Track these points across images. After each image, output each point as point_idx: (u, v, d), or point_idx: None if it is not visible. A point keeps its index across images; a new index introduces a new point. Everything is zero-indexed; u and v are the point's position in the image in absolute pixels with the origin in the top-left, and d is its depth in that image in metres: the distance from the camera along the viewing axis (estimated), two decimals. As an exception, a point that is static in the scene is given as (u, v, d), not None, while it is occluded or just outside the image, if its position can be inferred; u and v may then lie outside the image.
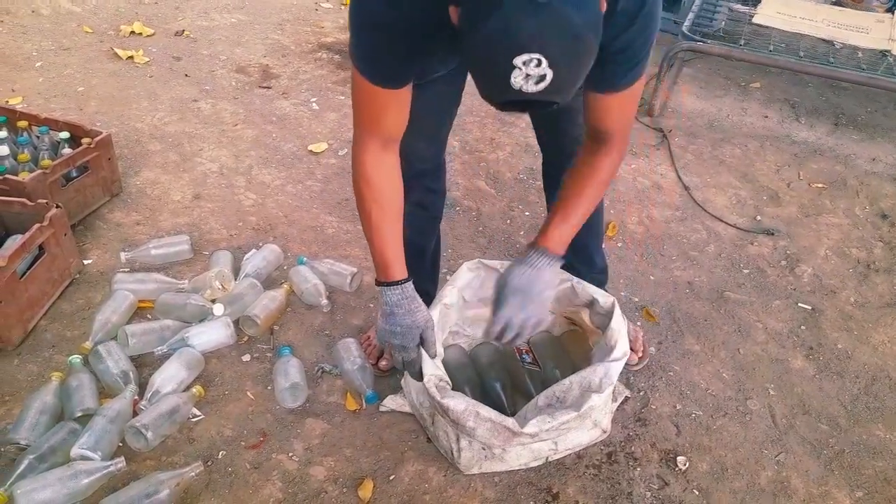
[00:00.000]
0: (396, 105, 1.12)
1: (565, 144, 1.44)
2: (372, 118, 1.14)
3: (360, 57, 1.06)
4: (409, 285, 1.23)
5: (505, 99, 0.83)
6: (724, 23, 2.91)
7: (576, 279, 1.52)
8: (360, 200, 1.21)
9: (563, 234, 1.22)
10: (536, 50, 0.77)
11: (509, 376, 1.55)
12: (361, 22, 1.03)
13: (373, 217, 1.19)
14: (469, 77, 1.28)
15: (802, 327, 1.85)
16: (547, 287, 1.21)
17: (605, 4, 0.89)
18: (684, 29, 2.76)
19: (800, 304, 1.92)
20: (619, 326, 1.41)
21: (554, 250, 1.21)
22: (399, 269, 1.22)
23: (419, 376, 1.30)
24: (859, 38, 2.76)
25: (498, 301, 1.21)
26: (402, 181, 1.21)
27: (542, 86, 0.80)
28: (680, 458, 1.48)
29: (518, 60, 0.78)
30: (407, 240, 1.52)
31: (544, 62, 0.78)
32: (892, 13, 3.04)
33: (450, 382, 1.35)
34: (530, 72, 0.79)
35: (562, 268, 1.40)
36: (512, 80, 0.79)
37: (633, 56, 1.06)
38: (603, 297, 1.48)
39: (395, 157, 1.19)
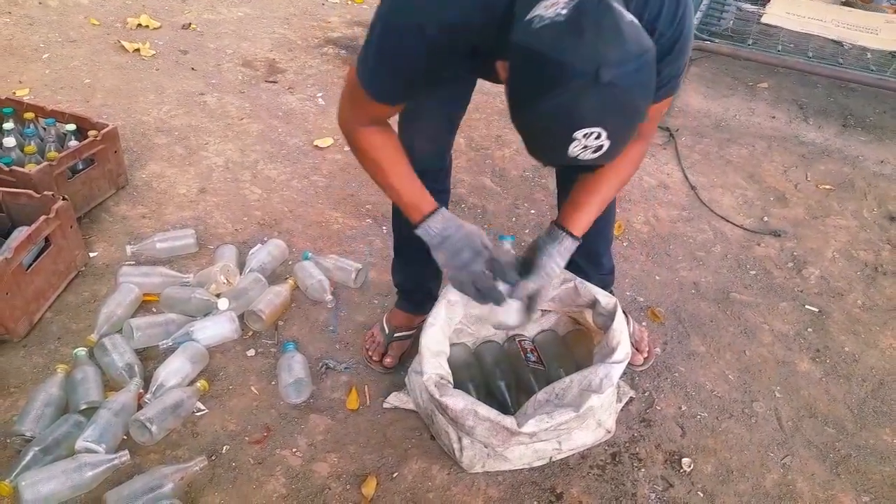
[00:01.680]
0: (391, 111, 1.15)
1: None
2: (364, 117, 1.15)
3: (368, 79, 1.06)
4: (444, 210, 1.20)
5: (557, 164, 0.85)
6: (732, 22, 2.89)
7: (578, 279, 1.51)
8: (364, 156, 1.19)
9: (584, 218, 1.23)
10: (597, 125, 0.80)
11: (514, 375, 1.55)
12: (387, 54, 1.02)
13: (383, 165, 1.18)
14: (479, 80, 1.26)
15: (809, 329, 1.84)
16: (559, 267, 1.24)
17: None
18: (693, 28, 2.75)
19: (807, 307, 1.92)
20: (621, 328, 1.40)
21: (574, 233, 1.22)
22: (427, 202, 1.19)
23: (501, 297, 1.22)
24: (868, 39, 2.74)
25: (533, 268, 1.22)
26: (392, 133, 1.20)
27: (597, 154, 0.83)
28: (685, 460, 1.48)
29: (578, 134, 0.80)
30: (413, 239, 1.52)
31: (603, 134, 0.80)
32: (903, 14, 3.02)
33: (451, 381, 1.35)
34: (589, 143, 0.81)
35: (568, 268, 1.40)
36: (570, 150, 0.82)
37: (669, 76, 1.07)
38: (605, 298, 1.47)
39: (387, 125, 1.19)
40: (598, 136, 0.80)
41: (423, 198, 1.19)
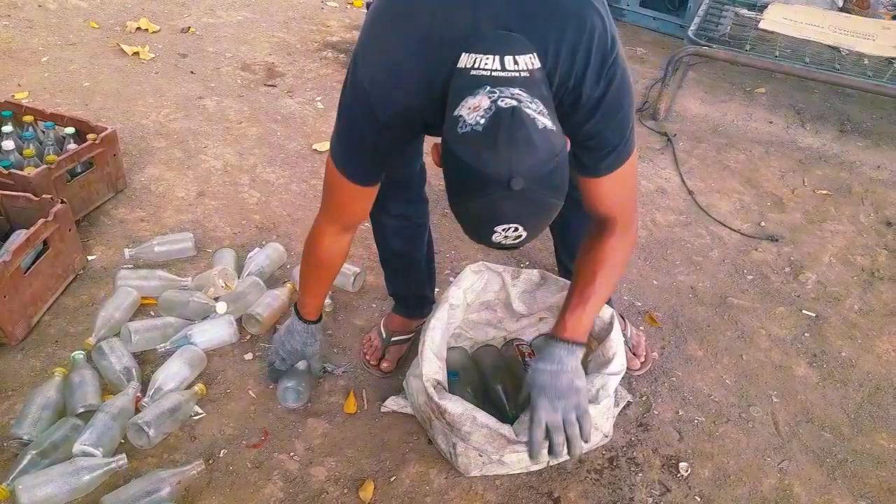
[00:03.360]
0: (365, 198, 1.21)
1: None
2: (340, 206, 1.23)
3: (341, 159, 1.13)
4: (317, 326, 1.44)
5: (486, 245, 0.94)
6: (729, 28, 2.91)
7: None
8: (307, 265, 1.35)
9: (580, 321, 1.21)
10: (514, 222, 0.89)
11: (511, 379, 1.55)
12: (350, 135, 1.11)
13: (311, 278, 1.37)
14: None
15: (806, 334, 1.85)
16: (574, 376, 1.20)
17: (567, 144, 0.95)
18: (690, 33, 2.76)
19: (804, 311, 1.92)
20: (618, 338, 1.41)
21: (573, 339, 1.21)
22: (314, 313, 1.43)
23: (275, 376, 1.54)
24: (865, 45, 2.76)
25: (530, 403, 1.20)
26: (347, 254, 1.34)
27: (518, 242, 0.92)
28: (682, 464, 1.48)
29: (499, 228, 0.89)
30: (397, 251, 1.55)
31: (521, 228, 0.89)
32: (899, 20, 3.03)
33: (446, 387, 1.35)
34: (508, 234, 0.90)
35: (564, 277, 1.41)
36: (493, 239, 0.91)
37: (606, 144, 1.07)
38: (603, 310, 1.47)
39: (350, 238, 1.31)
40: (517, 230, 0.89)
41: (317, 309, 1.43)
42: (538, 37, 0.94)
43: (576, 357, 1.21)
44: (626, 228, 1.20)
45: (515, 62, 0.91)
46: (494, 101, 0.87)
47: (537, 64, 0.93)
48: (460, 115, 0.89)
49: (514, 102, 0.86)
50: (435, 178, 1.41)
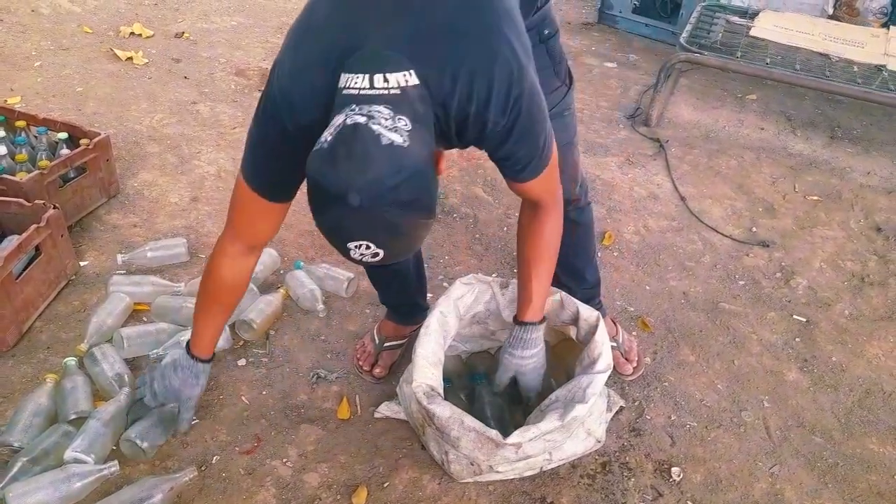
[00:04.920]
0: (273, 215, 1.19)
1: None
2: (246, 223, 1.21)
3: (251, 172, 1.13)
4: (205, 367, 1.37)
5: (352, 260, 0.93)
6: (721, 35, 2.93)
7: (563, 293, 1.52)
8: (204, 293, 1.31)
9: (541, 300, 1.34)
10: (363, 238, 0.88)
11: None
12: (261, 147, 1.10)
13: (208, 308, 1.32)
14: None
15: (797, 339, 1.86)
16: (542, 352, 1.39)
17: (442, 162, 0.98)
18: (682, 40, 2.78)
19: (794, 317, 1.93)
20: (603, 339, 1.41)
21: (532, 319, 1.34)
22: (206, 349, 1.36)
23: (136, 413, 1.42)
24: (855, 53, 2.79)
25: (521, 386, 1.40)
26: (248, 283, 1.32)
27: (377, 259, 0.91)
28: (674, 469, 1.48)
29: (351, 244, 0.89)
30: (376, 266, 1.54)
31: (373, 246, 0.89)
32: (888, 28, 3.07)
33: (441, 393, 1.35)
34: (363, 252, 0.89)
35: (554, 285, 1.43)
36: (351, 255, 0.91)
37: (521, 160, 1.09)
38: (587, 312, 1.48)
39: (254, 262, 1.29)
40: (369, 247, 0.89)
41: (208, 346, 1.36)
42: (435, 59, 0.94)
43: (538, 332, 1.36)
44: (554, 205, 1.25)
45: (385, 80, 0.90)
46: (345, 119, 0.87)
47: (413, 81, 0.92)
48: (321, 137, 0.89)
49: (362, 119, 0.86)
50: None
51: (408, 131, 0.88)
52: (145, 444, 1.36)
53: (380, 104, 0.89)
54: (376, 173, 0.84)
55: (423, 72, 0.93)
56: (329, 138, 0.87)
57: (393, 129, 0.87)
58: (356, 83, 0.91)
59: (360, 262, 0.92)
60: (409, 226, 0.91)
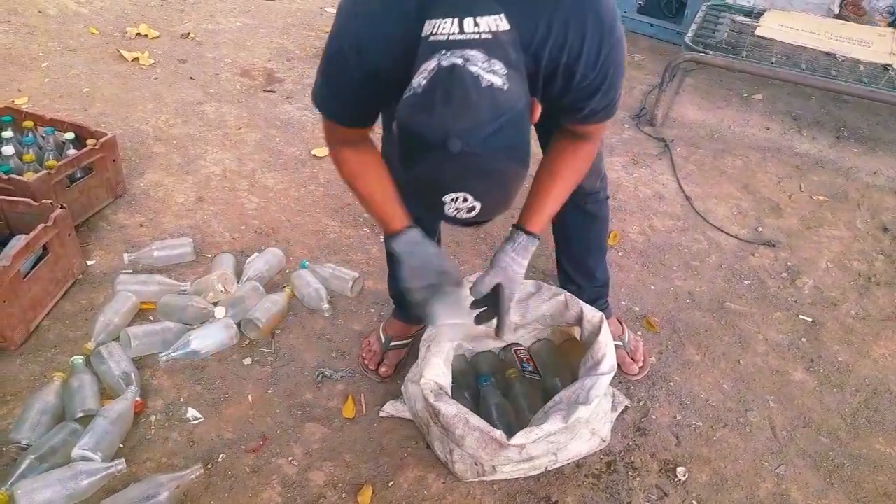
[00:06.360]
0: (357, 133, 1.16)
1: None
2: (334, 139, 1.18)
3: (323, 103, 1.10)
4: (413, 231, 1.18)
5: (443, 220, 0.89)
6: (726, 34, 2.92)
7: (567, 293, 1.52)
8: (357, 187, 1.21)
9: (543, 217, 1.24)
10: (461, 189, 0.85)
11: (507, 383, 1.56)
12: (329, 82, 1.06)
13: (357, 185, 1.20)
14: None
15: (803, 339, 1.86)
16: (528, 262, 1.25)
17: (537, 112, 0.92)
18: (687, 40, 2.78)
19: (800, 316, 1.93)
20: (607, 340, 1.41)
21: (539, 232, 1.24)
22: (398, 219, 1.18)
23: (432, 318, 1.18)
24: (861, 52, 2.78)
25: (500, 290, 1.23)
26: (378, 152, 1.22)
27: (472, 214, 0.88)
28: (679, 469, 1.48)
29: (447, 198, 0.86)
30: None
31: (470, 198, 0.85)
32: (894, 27, 3.05)
33: (449, 392, 1.35)
34: (459, 206, 0.86)
35: (563, 281, 1.41)
36: (445, 210, 0.88)
37: (595, 111, 1.08)
38: (591, 313, 1.48)
39: (370, 144, 1.20)
40: (466, 200, 0.85)
41: (396, 216, 1.18)
42: (528, 5, 0.92)
43: (525, 247, 1.24)
44: (598, 140, 1.22)
45: (476, 24, 0.86)
46: (439, 62, 0.83)
47: (504, 26, 0.88)
48: (415, 78, 0.85)
49: (458, 61, 0.82)
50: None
51: (504, 74, 0.84)
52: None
53: (472, 49, 0.84)
54: (478, 117, 0.80)
55: (515, 18, 0.90)
56: (423, 82, 0.83)
57: (492, 72, 0.83)
58: (444, 28, 0.86)
59: (453, 219, 0.88)
60: (508, 175, 0.87)
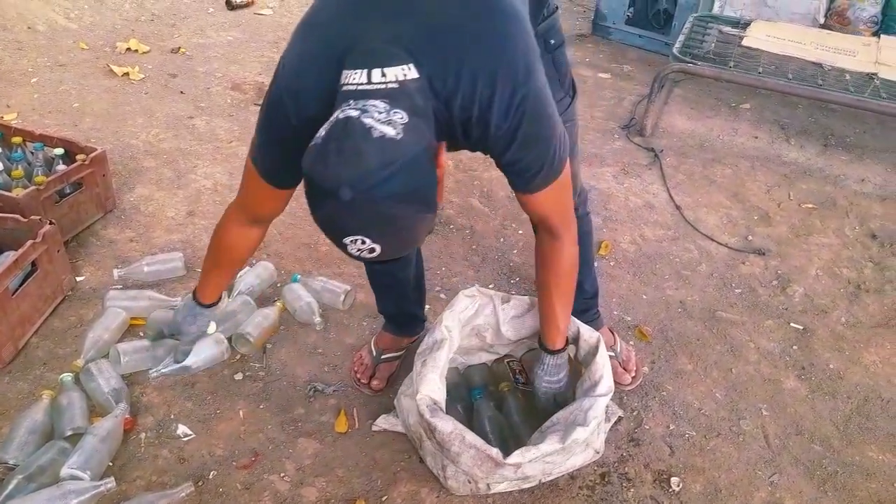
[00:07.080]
0: (275, 199, 1.21)
1: None
2: (250, 199, 1.24)
3: (256, 155, 1.15)
4: (205, 310, 1.46)
5: (353, 258, 0.93)
6: (713, 45, 2.96)
7: None
8: (211, 251, 1.37)
9: (561, 330, 1.38)
10: (356, 233, 0.88)
11: (500, 396, 1.55)
12: (266, 134, 1.11)
13: (213, 263, 1.39)
14: None
15: (794, 347, 1.86)
16: (566, 370, 1.45)
17: (442, 155, 0.95)
18: (675, 51, 2.81)
19: (791, 324, 1.94)
20: (604, 361, 1.42)
21: (562, 346, 1.41)
22: (207, 297, 1.45)
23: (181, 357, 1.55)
24: (847, 61, 2.81)
25: (547, 405, 1.45)
26: (254, 249, 1.37)
27: (374, 255, 0.90)
28: (673, 479, 1.48)
29: (346, 240, 0.89)
30: (384, 269, 1.54)
31: (368, 241, 0.88)
32: (878, 37, 3.10)
33: (443, 407, 1.34)
34: (360, 247, 0.89)
35: None
36: (348, 250, 0.90)
37: (528, 168, 1.08)
38: (588, 333, 1.48)
39: (262, 233, 1.34)
40: (364, 242, 0.88)
41: (213, 293, 1.45)
42: (439, 57, 0.94)
43: (554, 364, 1.42)
44: (567, 232, 1.25)
45: (383, 74, 0.90)
46: (337, 115, 0.87)
47: (413, 74, 0.92)
48: (318, 133, 0.89)
49: (354, 113, 0.86)
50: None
51: (403, 124, 0.87)
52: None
53: (376, 98, 0.89)
54: (366, 166, 0.83)
55: (426, 69, 0.93)
56: (322, 134, 0.87)
57: (386, 122, 0.86)
58: (355, 79, 0.91)
59: (358, 258, 0.91)
60: (404, 219, 0.89)
